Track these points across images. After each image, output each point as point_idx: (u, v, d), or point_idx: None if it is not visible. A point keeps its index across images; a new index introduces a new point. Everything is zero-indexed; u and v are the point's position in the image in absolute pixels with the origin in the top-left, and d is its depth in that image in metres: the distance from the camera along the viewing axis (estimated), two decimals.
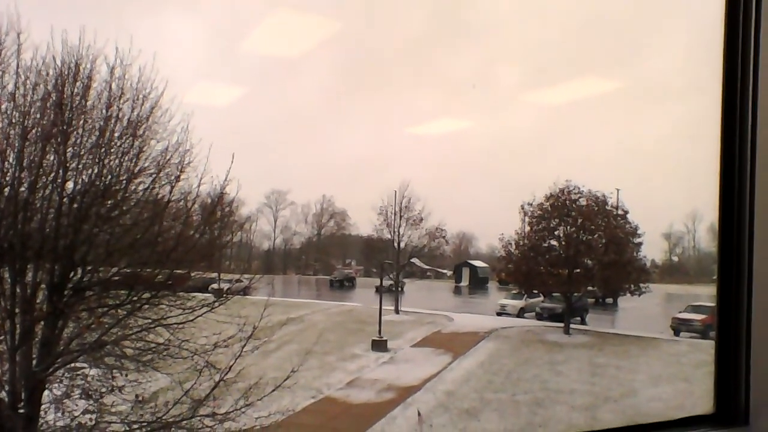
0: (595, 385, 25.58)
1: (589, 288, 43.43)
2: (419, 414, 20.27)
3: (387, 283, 44.27)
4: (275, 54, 27.50)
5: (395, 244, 50.09)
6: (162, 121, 10.55)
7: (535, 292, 48.26)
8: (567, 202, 38.94)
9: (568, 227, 38.52)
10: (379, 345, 32.64)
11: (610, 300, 51.39)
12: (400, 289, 50.04)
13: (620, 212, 37.12)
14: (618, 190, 35.44)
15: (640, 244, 35.60)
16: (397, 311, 46.77)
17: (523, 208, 45.73)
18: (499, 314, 48.13)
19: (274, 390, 11.44)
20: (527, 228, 46.00)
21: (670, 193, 34.41)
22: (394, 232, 49.63)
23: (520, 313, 47.73)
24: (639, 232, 35.54)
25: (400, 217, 49.32)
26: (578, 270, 37.75)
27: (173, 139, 10.57)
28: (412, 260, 58.85)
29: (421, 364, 29.99)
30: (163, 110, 10.52)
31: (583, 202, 38.53)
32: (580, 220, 37.64)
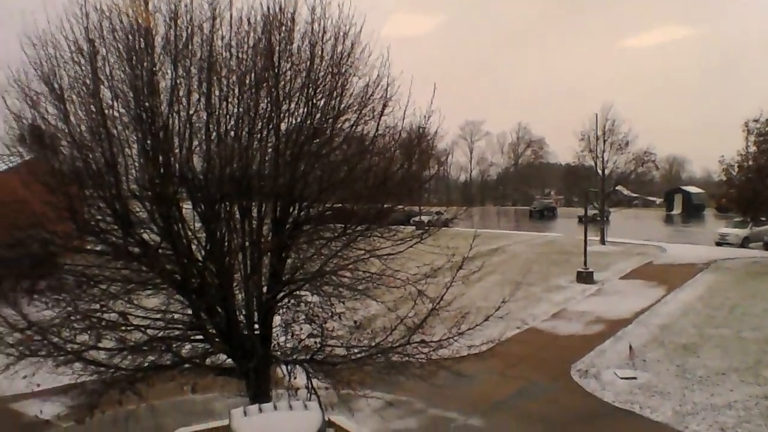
0: None
1: None
2: (631, 348, 19.45)
3: (591, 212, 42.60)
4: None
5: (599, 171, 47.74)
6: (362, 57, 10.68)
7: (763, 219, 43.45)
8: None
9: None
10: (585, 276, 31.71)
11: None
12: (605, 218, 47.90)
13: None
14: None
15: None
16: (602, 242, 45.01)
17: (747, 126, 40.93)
18: (718, 244, 44.31)
19: (486, 319, 11.50)
20: (752, 148, 41.20)
21: None
22: (597, 157, 47.29)
23: (744, 243, 43.51)
24: None
25: (604, 141, 46.71)
26: None
27: (374, 74, 10.69)
28: (618, 188, 55.92)
29: (631, 296, 28.69)
30: (363, 46, 10.64)
31: None
32: None
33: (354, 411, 13.04)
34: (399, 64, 10.68)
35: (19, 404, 15.35)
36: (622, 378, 17.60)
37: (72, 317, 9.77)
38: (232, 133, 10.04)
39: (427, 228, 11.96)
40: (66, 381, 10.41)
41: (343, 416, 12.37)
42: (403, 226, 12.82)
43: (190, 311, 10.89)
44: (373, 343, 11.14)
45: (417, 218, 34.53)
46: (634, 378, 17.56)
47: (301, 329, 11.90)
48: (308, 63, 10.37)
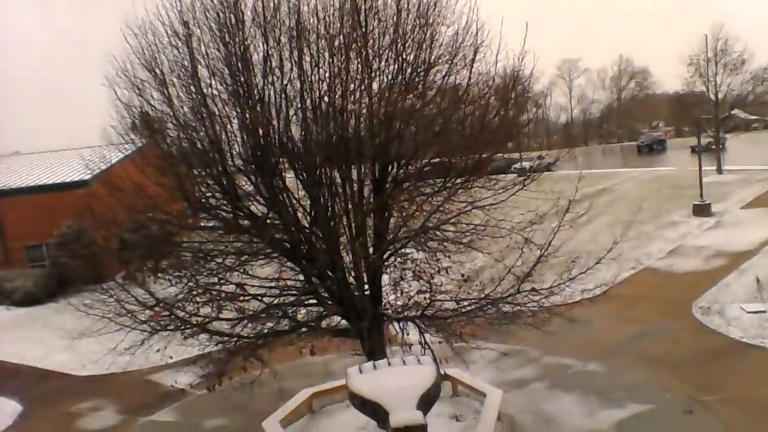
0: None
1: None
2: (758, 280, 18.33)
3: (704, 141, 40.01)
4: None
5: (711, 96, 44.58)
6: (449, 5, 10.41)
7: None
8: None
9: None
10: (701, 209, 30.03)
11: None
12: (721, 145, 44.92)
13: None
14: None
15: None
16: (719, 171, 42.37)
17: None
18: None
19: (598, 262, 11.15)
20: None
21: None
22: (708, 81, 44.08)
23: None
24: None
25: (716, 63, 43.41)
26: None
27: (462, 21, 10.40)
28: (734, 112, 52.14)
29: (754, 226, 26.91)
30: None
31: None
32: None
33: (469, 363, 13.11)
34: (488, 7, 10.32)
35: (156, 376, 16.57)
36: (749, 312, 16.65)
37: (194, 292, 10.38)
38: (326, 97, 10.11)
39: (528, 174, 11.66)
40: (195, 352, 11.14)
41: (458, 369, 12.47)
42: (503, 174, 12.57)
43: (302, 277, 11.26)
44: (483, 295, 11.10)
45: (518, 165, 33.73)
46: (763, 311, 16.57)
47: (410, 286, 12.02)
48: (395, 18, 10.23)
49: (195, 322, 10.30)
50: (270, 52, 9.78)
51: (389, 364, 8.12)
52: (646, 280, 21.38)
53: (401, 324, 11.77)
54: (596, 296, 12.04)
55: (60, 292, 27.13)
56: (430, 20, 10.36)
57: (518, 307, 11.04)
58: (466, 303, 11.11)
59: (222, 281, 10.60)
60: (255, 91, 9.86)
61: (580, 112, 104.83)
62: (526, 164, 29.35)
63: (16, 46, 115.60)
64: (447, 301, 11.41)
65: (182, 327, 10.29)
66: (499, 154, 12.43)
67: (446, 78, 10.82)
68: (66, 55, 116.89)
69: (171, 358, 11.40)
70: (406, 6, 10.16)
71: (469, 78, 10.62)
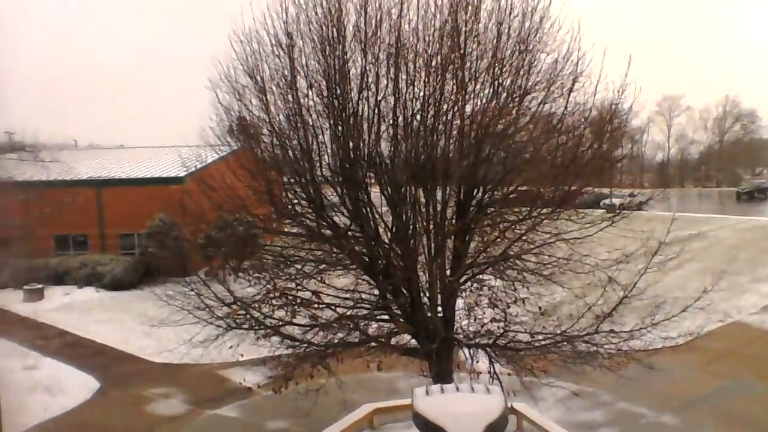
0: None
1: None
2: None
3: None
4: None
5: None
6: (551, 32, 10.24)
7: None
8: None
9: None
10: None
11: None
12: None
13: None
14: None
15: None
16: None
17: None
18: None
19: (684, 310, 10.64)
20: None
21: None
22: None
23: None
24: None
25: None
26: None
27: (563, 49, 10.20)
28: None
29: None
30: (552, 20, 10.20)
31: None
32: None
33: (537, 399, 12.76)
34: (590, 37, 10.07)
35: (226, 371, 17.03)
36: None
37: (271, 294, 10.59)
38: (418, 116, 10.14)
39: (618, 211, 11.27)
40: (265, 353, 11.38)
41: (526, 404, 12.14)
42: (591, 209, 12.20)
43: (376, 292, 11.29)
44: (559, 331, 10.80)
45: (607, 200, 32.73)
46: None
47: (484, 313, 11.85)
48: (494, 42, 10.15)
49: (269, 324, 10.51)
50: (367, 68, 9.92)
51: (457, 389, 7.98)
52: (734, 334, 20.22)
53: (471, 350, 11.60)
54: (678, 345, 11.48)
55: (145, 281, 28.40)
56: (530, 46, 10.22)
57: (595, 348, 10.66)
58: (540, 337, 10.84)
59: (299, 287, 10.76)
60: (349, 105, 10.01)
61: (678, 152, 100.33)
62: (616, 200, 28.47)
63: (131, 49, 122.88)
64: (521, 332, 11.17)
65: (256, 327, 10.52)
66: (589, 188, 12.07)
67: (541, 105, 10.63)
68: (175, 59, 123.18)
69: (242, 356, 11.66)
70: (506, 31, 10.07)
71: (565, 107, 10.38)
